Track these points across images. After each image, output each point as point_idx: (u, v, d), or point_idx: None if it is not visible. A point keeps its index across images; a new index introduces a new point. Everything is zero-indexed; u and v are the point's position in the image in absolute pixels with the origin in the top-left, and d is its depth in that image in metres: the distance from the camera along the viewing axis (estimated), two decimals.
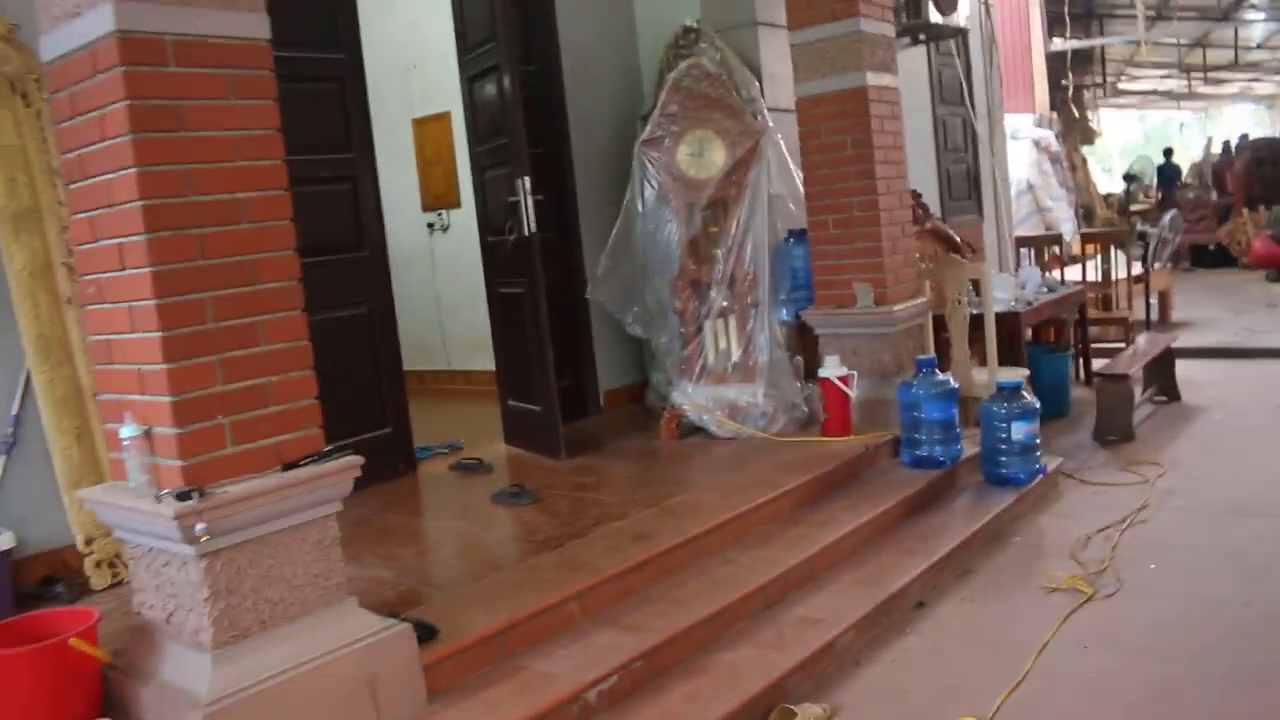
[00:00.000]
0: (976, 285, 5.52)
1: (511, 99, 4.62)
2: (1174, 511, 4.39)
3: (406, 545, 3.78)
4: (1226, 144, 15.55)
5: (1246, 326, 8.47)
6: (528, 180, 4.59)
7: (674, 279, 5.06)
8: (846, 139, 4.83)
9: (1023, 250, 8.19)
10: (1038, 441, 4.57)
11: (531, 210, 4.60)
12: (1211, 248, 12.57)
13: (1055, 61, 15.30)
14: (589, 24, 5.78)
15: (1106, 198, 17.65)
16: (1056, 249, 7.98)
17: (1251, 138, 15.72)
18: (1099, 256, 7.76)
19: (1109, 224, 14.48)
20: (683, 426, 4.97)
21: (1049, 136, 12.03)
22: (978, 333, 5.30)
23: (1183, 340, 7.26)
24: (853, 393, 4.62)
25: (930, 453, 4.49)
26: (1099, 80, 18.83)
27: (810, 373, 4.97)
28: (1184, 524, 4.24)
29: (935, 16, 6.17)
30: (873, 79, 4.79)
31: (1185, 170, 17.23)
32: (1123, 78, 20.58)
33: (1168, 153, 17.35)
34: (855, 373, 4.66)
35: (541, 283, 4.69)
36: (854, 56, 4.75)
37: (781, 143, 5.09)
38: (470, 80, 5.00)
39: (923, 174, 7.26)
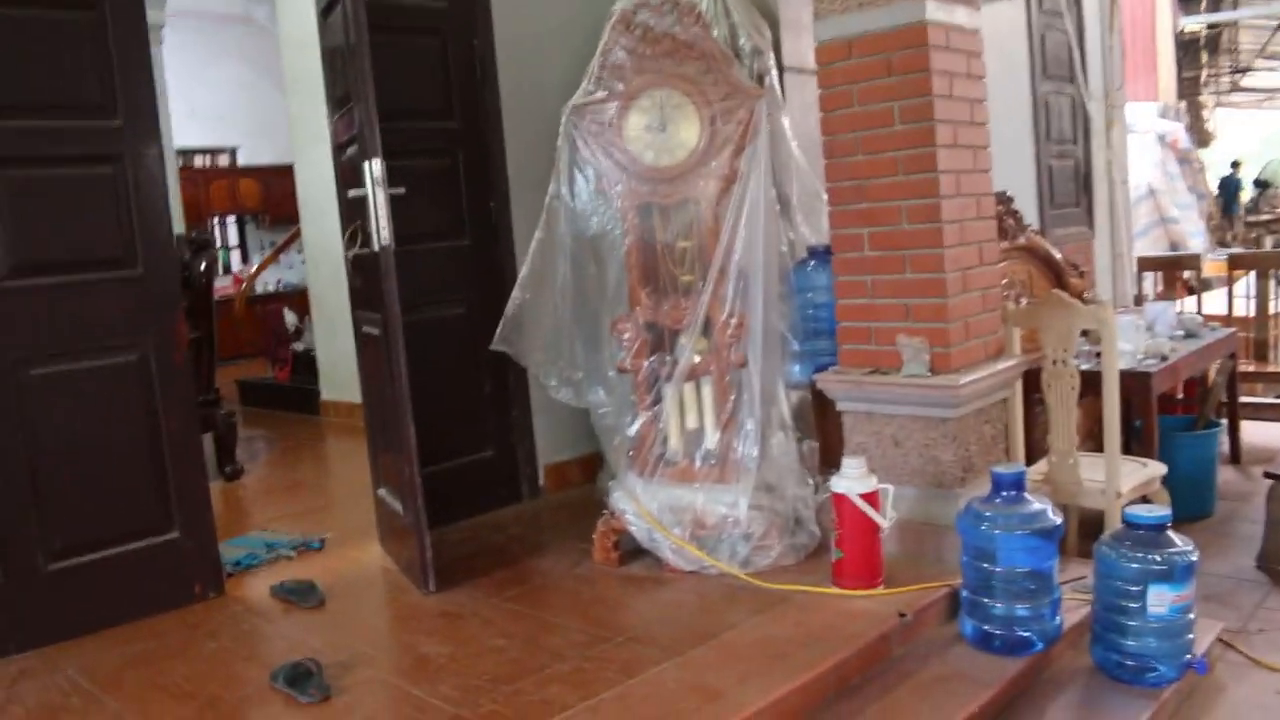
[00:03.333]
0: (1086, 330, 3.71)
1: (354, 34, 2.91)
2: None
3: None
4: None
5: None
6: (378, 164, 2.91)
7: (618, 320, 3.31)
8: (893, 107, 3.06)
9: (1145, 274, 6.24)
10: (1191, 617, 2.70)
11: (384, 211, 2.92)
12: None
13: (1178, 49, 13.13)
14: None
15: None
16: (1190, 274, 6.00)
17: None
18: (1251, 286, 5.74)
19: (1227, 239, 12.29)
20: (622, 546, 3.26)
21: (1177, 130, 9.88)
22: (1085, 399, 3.51)
23: None
24: (885, 520, 2.84)
25: (1008, 629, 2.68)
26: (1222, 72, 16.44)
27: (833, 462, 3.18)
28: None
29: None
30: (938, 12, 2.99)
31: None
32: (1249, 73, 18.09)
33: (1235, 165, 15.04)
34: (890, 487, 2.87)
35: (398, 322, 3.00)
36: None
37: (786, 125, 3.30)
38: (323, 11, 3.32)
39: (1016, 171, 5.51)
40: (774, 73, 3.34)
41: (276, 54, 6.66)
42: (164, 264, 3.07)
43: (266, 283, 9.95)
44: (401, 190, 3.04)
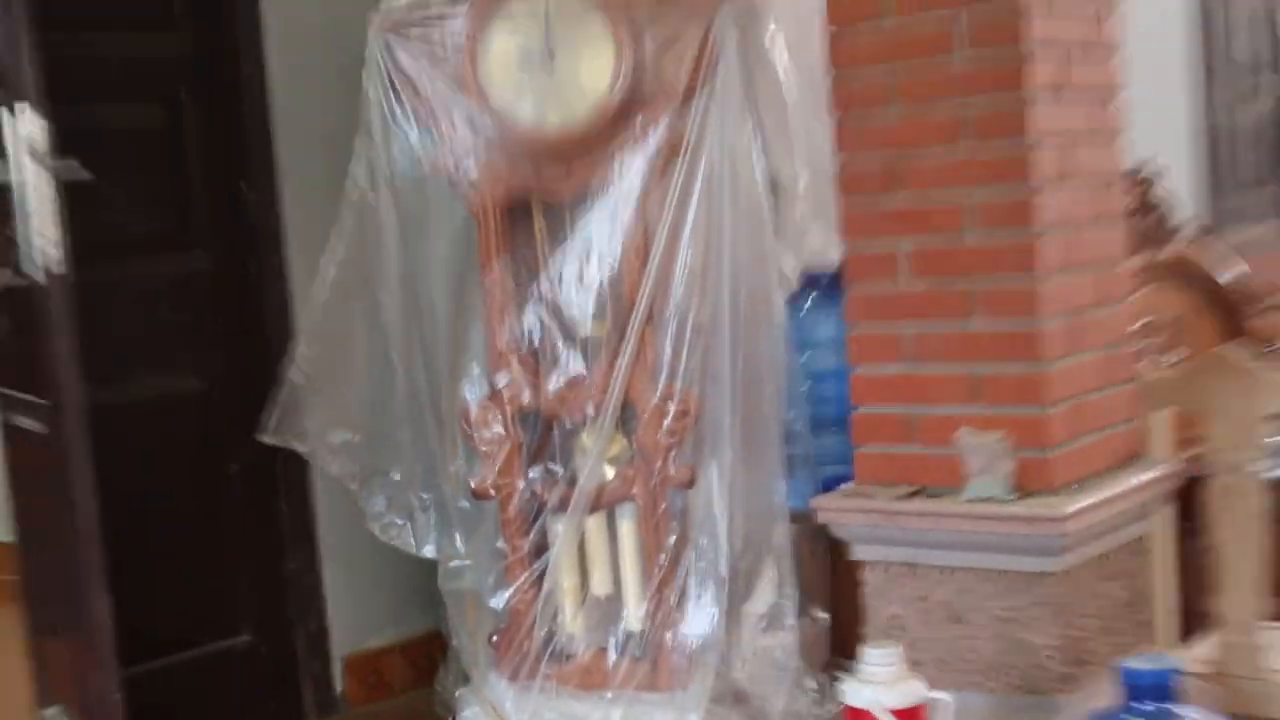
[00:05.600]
0: None
1: None
2: None
3: None
4: None
5: None
6: (33, 117, 3.15)
7: (470, 408, 3.53)
8: (957, 17, 3.27)
9: None
10: None
11: (49, 206, 3.18)
12: None
13: None
14: None
15: None
16: None
17: None
18: None
19: None
20: None
21: None
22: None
23: None
24: None
25: None
26: None
27: (849, 649, 3.33)
28: None
29: None
30: None
31: None
32: None
33: None
34: (947, 696, 3.03)
35: (79, 409, 3.27)
36: None
37: (780, 49, 3.50)
38: None
39: (1160, 129, 5.84)
40: None
41: None
42: None
43: None
44: (82, 172, 3.28)
